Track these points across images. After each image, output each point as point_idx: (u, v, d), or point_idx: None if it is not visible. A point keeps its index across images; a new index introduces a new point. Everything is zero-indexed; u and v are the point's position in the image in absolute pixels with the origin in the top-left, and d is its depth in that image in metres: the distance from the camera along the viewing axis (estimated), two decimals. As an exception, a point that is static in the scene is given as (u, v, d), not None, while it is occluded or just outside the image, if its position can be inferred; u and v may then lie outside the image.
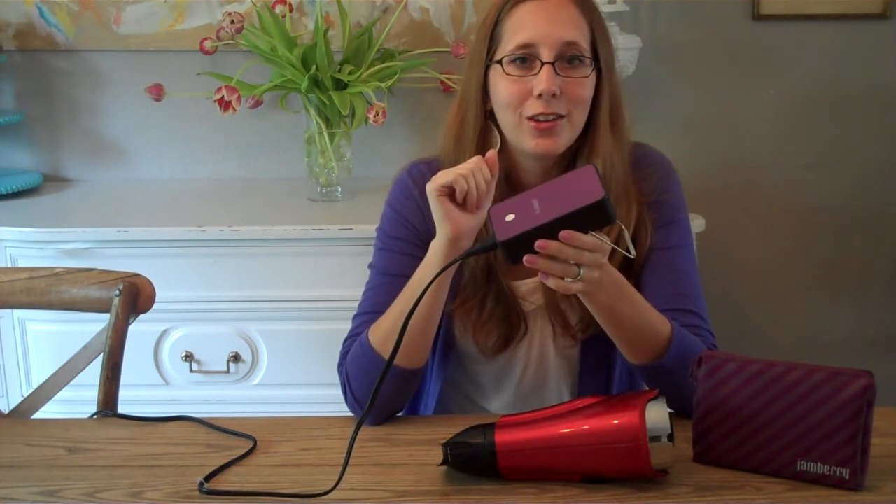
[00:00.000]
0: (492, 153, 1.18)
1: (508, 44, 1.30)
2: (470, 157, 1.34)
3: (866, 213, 2.54)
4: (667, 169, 1.40)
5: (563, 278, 1.08)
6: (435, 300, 1.24)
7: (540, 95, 1.26)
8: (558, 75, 1.27)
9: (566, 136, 1.30)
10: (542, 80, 1.27)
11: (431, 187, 1.18)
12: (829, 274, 2.57)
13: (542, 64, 1.27)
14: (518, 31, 1.30)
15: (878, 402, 1.05)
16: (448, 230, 1.18)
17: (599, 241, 1.06)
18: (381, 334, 1.27)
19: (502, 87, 1.30)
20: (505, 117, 1.32)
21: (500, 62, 1.30)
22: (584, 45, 1.29)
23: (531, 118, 1.28)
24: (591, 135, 1.33)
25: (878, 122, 2.48)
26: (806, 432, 1.06)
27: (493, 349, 1.38)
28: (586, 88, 1.30)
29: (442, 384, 1.43)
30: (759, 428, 1.08)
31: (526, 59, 1.29)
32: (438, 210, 1.18)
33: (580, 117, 1.31)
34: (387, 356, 1.24)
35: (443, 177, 1.17)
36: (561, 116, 1.28)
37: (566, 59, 1.28)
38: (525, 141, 1.30)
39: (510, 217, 1.06)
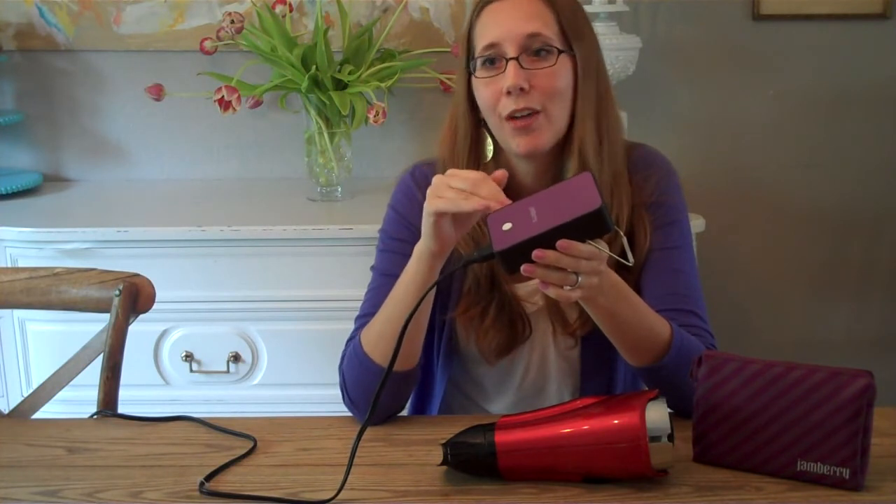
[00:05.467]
0: (502, 173, 1.14)
1: (477, 48, 1.31)
2: (463, 168, 1.34)
3: (866, 213, 2.54)
4: (666, 170, 1.39)
5: (561, 287, 1.08)
6: (422, 306, 1.23)
7: (509, 92, 1.27)
8: (525, 69, 1.27)
9: (546, 131, 1.29)
10: (508, 76, 1.27)
11: (431, 210, 1.14)
12: (829, 274, 2.58)
13: (508, 61, 1.27)
14: (483, 33, 1.30)
15: (878, 402, 1.05)
16: (434, 246, 1.18)
17: (597, 250, 1.05)
18: (372, 339, 1.27)
19: (479, 91, 1.31)
20: (489, 121, 1.33)
21: (473, 67, 1.31)
22: (549, 34, 1.28)
23: (508, 118, 1.28)
24: (571, 128, 1.32)
25: (878, 122, 2.48)
26: (806, 432, 1.06)
27: (495, 354, 1.38)
28: (557, 79, 1.29)
29: (445, 385, 1.44)
30: (759, 428, 1.08)
31: (493, 58, 1.29)
32: (430, 227, 1.16)
33: (556, 110, 1.30)
34: (377, 359, 1.25)
35: (445, 202, 1.12)
36: (536, 112, 1.28)
37: (532, 51, 1.28)
38: (509, 141, 1.31)
39: (507, 226, 1.05)
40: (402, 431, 1.25)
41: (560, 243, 1.02)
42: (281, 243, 2.03)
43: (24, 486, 1.12)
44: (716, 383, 1.10)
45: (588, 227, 1.03)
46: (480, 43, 1.30)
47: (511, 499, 1.07)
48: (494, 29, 1.29)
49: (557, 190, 1.08)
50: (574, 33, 1.30)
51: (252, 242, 2.03)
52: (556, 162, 1.35)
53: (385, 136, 2.42)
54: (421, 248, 1.20)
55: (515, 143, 1.30)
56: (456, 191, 1.12)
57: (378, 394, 1.09)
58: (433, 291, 1.21)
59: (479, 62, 1.31)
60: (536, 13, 1.29)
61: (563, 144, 1.33)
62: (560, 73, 1.29)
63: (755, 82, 2.45)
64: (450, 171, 1.15)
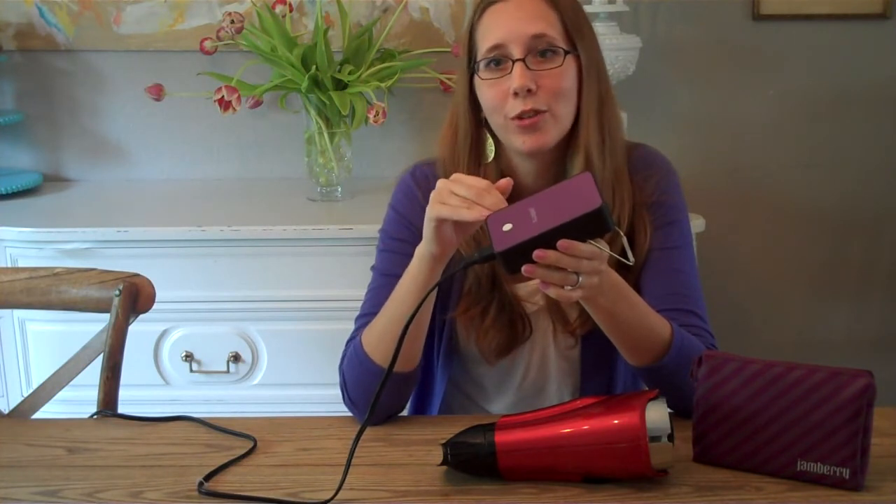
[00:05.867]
0: (507, 181, 1.14)
1: (481, 49, 1.31)
2: (465, 167, 1.34)
3: (866, 213, 2.54)
4: (667, 170, 1.39)
5: (562, 287, 1.07)
6: (423, 307, 1.23)
7: (516, 94, 1.27)
8: (532, 70, 1.27)
9: (552, 130, 1.30)
10: (515, 77, 1.27)
11: (433, 215, 1.14)
12: (829, 274, 2.58)
13: (514, 62, 1.27)
14: (487, 34, 1.30)
15: (878, 402, 1.05)
16: (435, 249, 1.17)
17: (597, 250, 1.05)
18: (372, 339, 1.27)
19: (483, 92, 1.31)
20: (493, 121, 1.32)
21: (476, 68, 1.31)
22: (555, 34, 1.29)
23: (515, 118, 1.28)
24: (576, 128, 1.32)
25: (878, 122, 2.48)
26: (806, 432, 1.06)
27: (495, 354, 1.38)
28: (564, 79, 1.29)
29: (445, 385, 1.44)
30: (759, 428, 1.08)
31: (499, 60, 1.29)
32: (432, 231, 1.16)
33: (563, 110, 1.30)
34: (378, 360, 1.25)
35: (448, 209, 1.12)
36: (543, 112, 1.28)
37: (538, 52, 1.28)
38: (514, 140, 1.30)
39: (507, 227, 1.05)
40: (402, 431, 1.25)
41: (561, 243, 1.02)
42: (281, 243, 2.03)
43: (24, 486, 1.12)
44: (716, 383, 1.10)
45: (588, 226, 1.03)
46: (484, 44, 1.30)
47: (511, 499, 1.07)
48: (498, 30, 1.29)
49: (557, 190, 1.08)
50: (577, 33, 1.31)
51: (252, 242, 2.03)
52: (557, 162, 1.35)
53: (385, 136, 2.42)
54: (422, 251, 1.20)
55: (521, 142, 1.30)
56: (459, 198, 1.11)
57: (378, 394, 1.09)
58: (434, 293, 1.21)
59: (483, 63, 1.30)
60: (540, 14, 1.29)
61: (566, 144, 1.33)
62: (566, 73, 1.29)
63: (755, 82, 2.45)
64: (455, 177, 1.14)
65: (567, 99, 1.30)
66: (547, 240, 1.03)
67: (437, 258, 1.18)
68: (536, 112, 1.27)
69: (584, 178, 1.05)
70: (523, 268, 1.04)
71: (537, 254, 1.03)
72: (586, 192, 1.03)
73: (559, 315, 1.36)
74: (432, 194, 1.14)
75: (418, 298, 1.16)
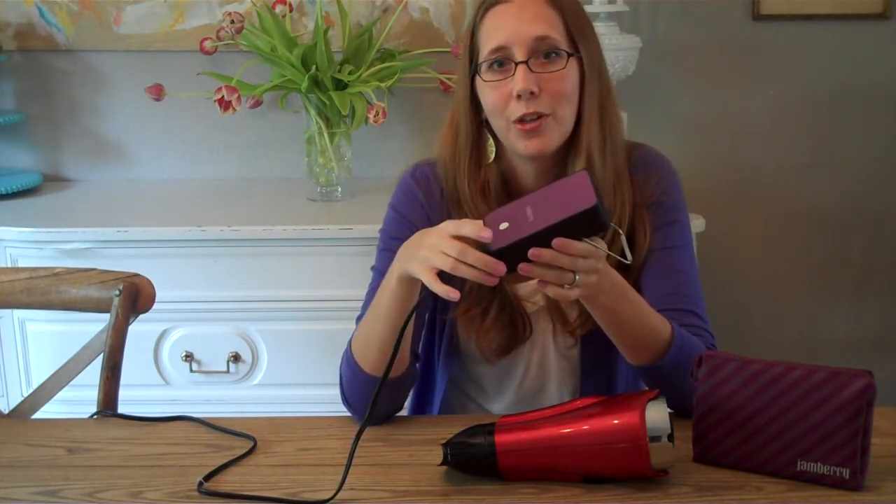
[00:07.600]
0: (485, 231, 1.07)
1: (483, 50, 1.30)
2: (465, 168, 1.34)
3: (866, 213, 2.54)
4: (667, 170, 1.39)
5: (560, 285, 1.07)
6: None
7: (519, 96, 1.26)
8: (535, 73, 1.27)
9: (555, 133, 1.29)
10: (518, 80, 1.26)
11: (432, 282, 1.08)
12: (829, 274, 2.57)
13: (517, 64, 1.27)
14: (490, 36, 1.30)
15: (878, 402, 1.05)
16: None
17: (593, 248, 1.05)
18: (359, 347, 1.28)
19: (485, 94, 1.31)
20: (495, 123, 1.32)
21: (479, 70, 1.30)
22: (557, 36, 1.28)
23: (517, 121, 1.28)
24: (577, 129, 1.32)
25: (878, 122, 2.48)
26: (806, 432, 1.06)
27: (496, 353, 1.38)
28: (566, 82, 1.28)
29: (446, 385, 1.44)
30: (759, 428, 1.08)
31: (501, 62, 1.28)
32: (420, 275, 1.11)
33: (565, 112, 1.29)
34: (366, 367, 1.26)
35: (442, 261, 1.07)
36: (545, 115, 1.27)
37: (541, 54, 1.27)
38: (516, 144, 1.30)
39: (504, 225, 1.05)
40: (402, 431, 1.25)
41: (556, 242, 1.02)
42: (281, 243, 2.03)
43: (24, 486, 1.12)
44: (716, 383, 1.10)
45: (584, 224, 1.03)
46: (487, 45, 1.29)
47: (511, 499, 1.07)
48: (501, 32, 1.28)
49: (553, 189, 1.08)
50: (579, 35, 1.30)
51: (252, 242, 2.03)
52: (558, 164, 1.35)
53: (385, 136, 2.42)
54: (403, 274, 1.16)
55: (523, 146, 1.29)
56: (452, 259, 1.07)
57: (374, 401, 1.10)
58: (415, 296, 1.19)
59: (485, 65, 1.30)
60: (543, 15, 1.29)
61: (567, 146, 1.33)
62: (569, 76, 1.29)
63: (755, 82, 2.45)
64: (451, 230, 1.09)
65: (569, 101, 1.29)
66: (543, 238, 1.03)
67: (417, 282, 1.15)
68: (539, 115, 1.27)
69: (580, 176, 1.05)
70: (520, 266, 1.04)
71: (533, 252, 1.03)
72: (582, 191, 1.03)
73: (559, 315, 1.36)
74: (431, 241, 1.09)
75: (399, 313, 1.17)
